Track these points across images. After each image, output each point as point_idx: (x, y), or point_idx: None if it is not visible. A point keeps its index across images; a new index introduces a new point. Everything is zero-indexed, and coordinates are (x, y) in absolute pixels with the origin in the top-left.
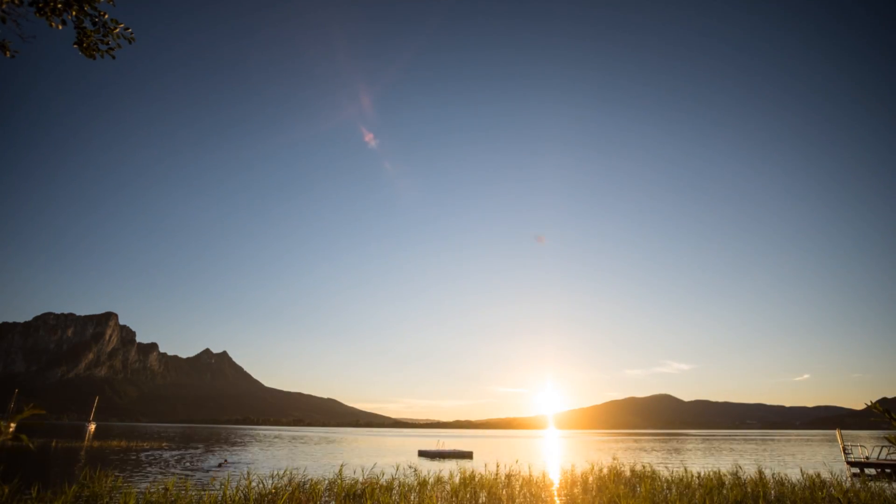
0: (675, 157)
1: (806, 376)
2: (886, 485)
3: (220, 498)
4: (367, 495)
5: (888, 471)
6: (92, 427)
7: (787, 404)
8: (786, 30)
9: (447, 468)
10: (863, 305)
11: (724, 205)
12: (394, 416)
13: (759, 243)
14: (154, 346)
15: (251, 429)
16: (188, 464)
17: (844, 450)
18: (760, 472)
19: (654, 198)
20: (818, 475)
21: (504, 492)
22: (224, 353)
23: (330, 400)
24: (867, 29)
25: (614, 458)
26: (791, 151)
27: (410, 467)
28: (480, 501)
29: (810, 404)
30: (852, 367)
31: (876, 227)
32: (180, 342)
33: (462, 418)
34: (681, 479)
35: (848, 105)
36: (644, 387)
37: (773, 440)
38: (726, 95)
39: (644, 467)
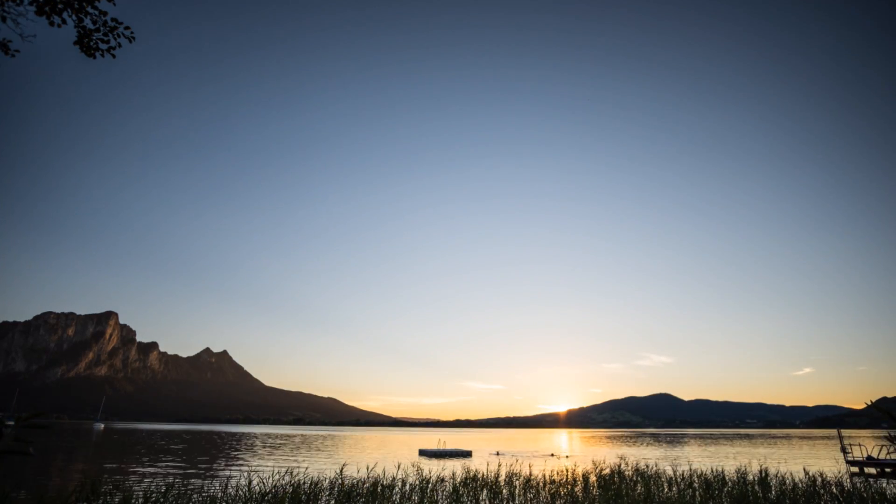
0: (665, 147)
1: (807, 370)
2: (886, 484)
3: (220, 497)
4: (369, 494)
5: (888, 470)
6: (101, 427)
7: (788, 403)
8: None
9: (448, 467)
10: (867, 293)
11: (716, 188)
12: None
13: (753, 229)
14: (154, 345)
15: (252, 428)
16: (188, 464)
17: (844, 449)
18: (761, 471)
19: (645, 183)
20: (819, 474)
21: (505, 490)
22: (224, 353)
23: (330, 399)
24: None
25: (616, 457)
26: (794, 134)
27: (413, 466)
28: (481, 500)
29: (811, 403)
30: (857, 360)
31: (884, 205)
32: (180, 341)
33: (441, 416)
34: (681, 478)
35: (844, 100)
36: (627, 382)
37: (773, 439)
38: (714, 94)
39: (645, 466)
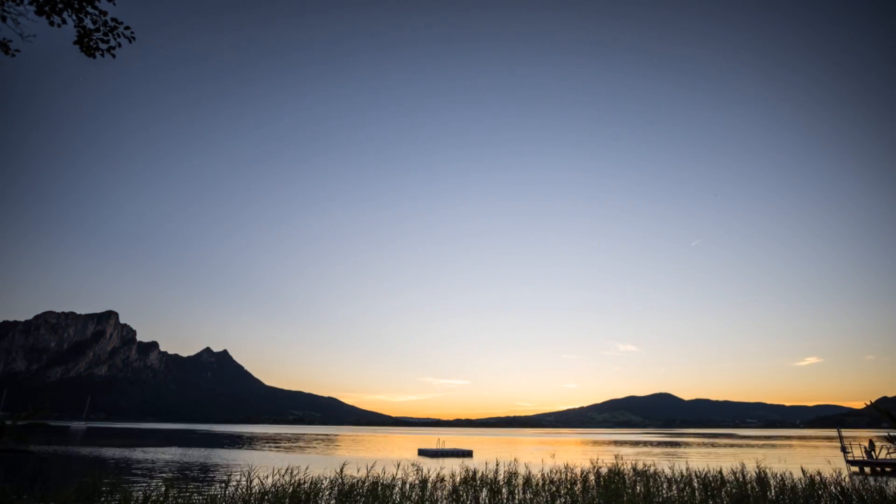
0: (652, 134)
1: (811, 360)
2: (886, 484)
3: (220, 497)
4: (369, 494)
5: (888, 470)
6: (83, 426)
7: (788, 402)
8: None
9: (448, 467)
10: (874, 279)
11: (710, 171)
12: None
13: (750, 213)
14: (154, 344)
15: (252, 428)
16: (188, 464)
17: (844, 449)
18: (760, 471)
19: (635, 168)
20: (819, 474)
21: (505, 490)
22: (224, 353)
23: (330, 399)
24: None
25: (616, 457)
26: (799, 116)
27: (413, 465)
28: (481, 500)
29: (815, 395)
30: (865, 350)
31: (888, 187)
32: (180, 341)
33: (414, 414)
34: (681, 478)
35: (849, 85)
36: (601, 375)
37: (773, 439)
38: (699, 83)
39: (644, 466)
